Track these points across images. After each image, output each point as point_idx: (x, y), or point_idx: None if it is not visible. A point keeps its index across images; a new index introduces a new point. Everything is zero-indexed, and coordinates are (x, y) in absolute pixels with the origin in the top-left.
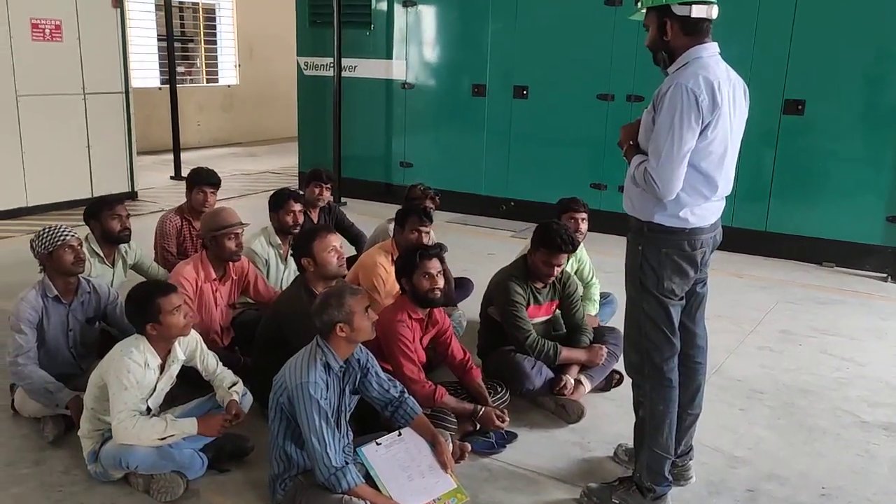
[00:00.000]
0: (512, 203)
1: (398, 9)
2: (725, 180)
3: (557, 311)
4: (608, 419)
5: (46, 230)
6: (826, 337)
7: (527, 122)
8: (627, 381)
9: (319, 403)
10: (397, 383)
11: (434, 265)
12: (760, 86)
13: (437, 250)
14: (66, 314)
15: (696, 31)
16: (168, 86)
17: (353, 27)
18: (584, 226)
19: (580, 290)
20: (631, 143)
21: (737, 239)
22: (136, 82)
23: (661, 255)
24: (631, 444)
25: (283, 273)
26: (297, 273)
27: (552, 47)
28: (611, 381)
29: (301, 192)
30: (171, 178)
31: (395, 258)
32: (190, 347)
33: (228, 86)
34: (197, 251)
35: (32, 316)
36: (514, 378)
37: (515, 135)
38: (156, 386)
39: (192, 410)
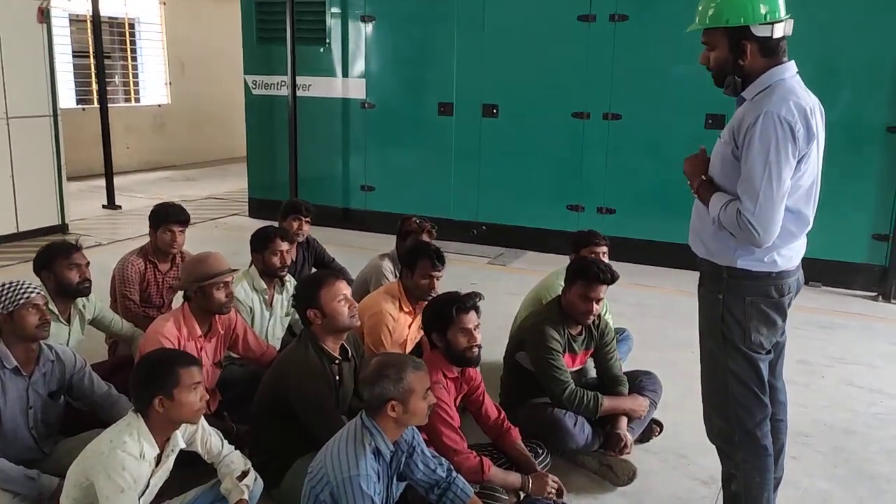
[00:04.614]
0: (484, 227)
1: (355, 24)
2: (814, 213)
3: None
4: (657, 478)
5: (6, 287)
6: (845, 366)
7: (498, 142)
8: (668, 432)
9: (374, 501)
10: (443, 460)
11: (471, 319)
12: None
13: (475, 301)
14: (26, 388)
15: (775, 51)
16: (90, 107)
17: (306, 44)
18: (605, 260)
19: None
20: (703, 177)
21: None
22: None
23: (745, 305)
24: None
25: (269, 321)
26: (283, 320)
27: (523, 64)
28: (651, 433)
29: (281, 228)
30: (104, 206)
31: (402, 304)
32: (189, 430)
33: (159, 105)
34: (163, 298)
35: None
36: (554, 437)
37: (486, 156)
38: (149, 482)
39: None
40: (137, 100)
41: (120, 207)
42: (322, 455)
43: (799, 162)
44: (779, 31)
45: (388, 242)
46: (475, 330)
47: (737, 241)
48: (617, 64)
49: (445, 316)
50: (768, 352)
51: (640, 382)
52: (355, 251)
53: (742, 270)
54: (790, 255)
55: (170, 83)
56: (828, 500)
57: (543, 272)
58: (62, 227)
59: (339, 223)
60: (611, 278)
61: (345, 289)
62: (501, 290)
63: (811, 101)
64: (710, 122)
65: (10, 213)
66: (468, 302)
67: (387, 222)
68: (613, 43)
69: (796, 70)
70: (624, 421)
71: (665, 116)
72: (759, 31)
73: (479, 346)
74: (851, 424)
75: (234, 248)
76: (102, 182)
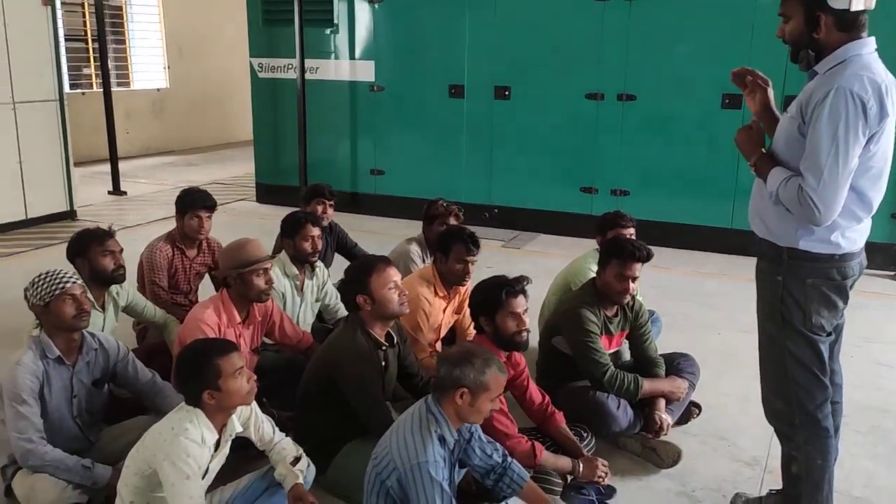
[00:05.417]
0: (496, 210)
1: (363, 5)
2: (879, 199)
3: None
4: (700, 459)
5: (42, 276)
6: (872, 345)
7: (510, 125)
8: (705, 414)
9: (443, 487)
10: (498, 446)
11: (521, 303)
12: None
13: (523, 285)
14: (70, 377)
15: (853, 25)
16: (90, 91)
17: (314, 26)
18: None
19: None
20: (763, 151)
21: (740, 241)
22: None
23: (806, 287)
24: (749, 493)
25: (300, 307)
26: (314, 306)
27: (536, 44)
28: (689, 415)
29: (312, 213)
30: (110, 192)
31: (436, 289)
32: (244, 414)
33: (157, 89)
34: (190, 284)
35: (34, 383)
36: (597, 420)
37: (498, 138)
38: (208, 467)
39: (248, 492)
40: (126, 84)
41: (125, 193)
42: (387, 441)
43: (868, 141)
44: (858, 4)
45: (399, 227)
46: (524, 314)
47: (797, 220)
48: (632, 43)
49: (494, 300)
50: (829, 334)
51: (678, 365)
52: (365, 236)
53: (804, 252)
54: (854, 238)
55: (168, 67)
56: (872, 479)
57: (558, 255)
58: (71, 214)
59: (347, 208)
60: (646, 256)
61: (395, 275)
62: (519, 274)
63: (888, 79)
64: (726, 101)
65: (19, 200)
66: (517, 285)
67: (397, 206)
68: (629, 22)
69: (875, 47)
70: (662, 403)
71: (681, 97)
72: (836, 4)
73: (528, 331)
74: (886, 403)
75: (247, 235)
76: (104, 168)
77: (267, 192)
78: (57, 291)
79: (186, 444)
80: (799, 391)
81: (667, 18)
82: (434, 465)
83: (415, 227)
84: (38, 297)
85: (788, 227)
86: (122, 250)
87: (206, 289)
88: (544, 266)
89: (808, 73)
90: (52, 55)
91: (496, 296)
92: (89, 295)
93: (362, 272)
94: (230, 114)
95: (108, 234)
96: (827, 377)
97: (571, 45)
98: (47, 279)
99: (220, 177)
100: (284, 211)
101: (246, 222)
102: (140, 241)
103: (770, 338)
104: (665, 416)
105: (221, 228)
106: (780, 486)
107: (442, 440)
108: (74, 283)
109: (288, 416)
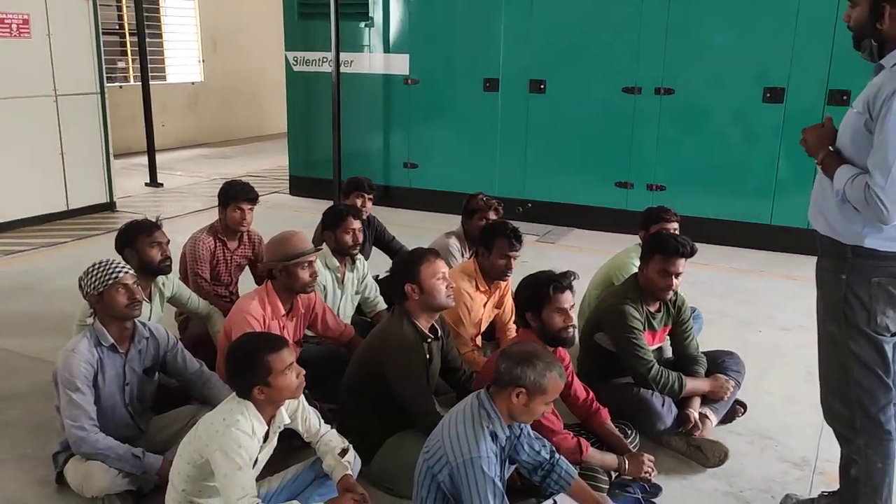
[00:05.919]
0: (529, 205)
1: None
2: None
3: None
4: (745, 459)
5: (96, 266)
6: None
7: (545, 119)
8: (749, 414)
9: (495, 483)
10: (545, 442)
11: (567, 299)
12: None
13: (570, 280)
14: (123, 365)
15: None
16: (127, 84)
17: (349, 19)
18: None
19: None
20: (830, 149)
21: (780, 237)
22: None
23: (871, 286)
24: (799, 494)
25: (341, 300)
26: (354, 299)
27: (572, 37)
28: (735, 413)
29: (353, 206)
30: (147, 184)
31: (478, 283)
32: (291, 406)
33: (192, 83)
34: (231, 276)
35: (88, 371)
36: (641, 416)
37: (532, 132)
38: (257, 458)
39: (295, 483)
40: (162, 78)
41: (162, 185)
42: (439, 435)
43: None
44: None
45: (432, 220)
46: (570, 309)
47: (864, 218)
48: (671, 36)
49: (541, 295)
50: (893, 334)
51: (723, 363)
52: (399, 229)
53: (869, 250)
54: None
55: (203, 60)
56: None
57: (593, 250)
58: (110, 205)
59: (380, 201)
60: (690, 251)
61: (443, 267)
62: (554, 269)
63: None
64: (767, 96)
65: (61, 191)
66: (564, 281)
67: (430, 200)
68: (668, 14)
69: None
70: (697, 401)
71: (721, 91)
72: None
73: (574, 326)
74: None
75: (281, 227)
76: (140, 160)
77: (300, 185)
78: (110, 281)
79: (238, 436)
80: (861, 393)
81: (707, 10)
82: (486, 461)
83: (448, 221)
84: (92, 286)
85: (853, 224)
86: (168, 241)
87: (246, 281)
88: (579, 261)
89: (875, 68)
90: (92, 48)
91: (543, 291)
92: None
93: (412, 262)
94: (263, 107)
95: (156, 225)
96: (890, 378)
97: (608, 38)
98: (101, 269)
99: (253, 169)
100: (318, 203)
101: (279, 214)
102: (177, 233)
103: (831, 338)
104: (695, 413)
105: (256, 220)
106: (831, 488)
107: (494, 436)
108: (127, 272)
109: (329, 407)
